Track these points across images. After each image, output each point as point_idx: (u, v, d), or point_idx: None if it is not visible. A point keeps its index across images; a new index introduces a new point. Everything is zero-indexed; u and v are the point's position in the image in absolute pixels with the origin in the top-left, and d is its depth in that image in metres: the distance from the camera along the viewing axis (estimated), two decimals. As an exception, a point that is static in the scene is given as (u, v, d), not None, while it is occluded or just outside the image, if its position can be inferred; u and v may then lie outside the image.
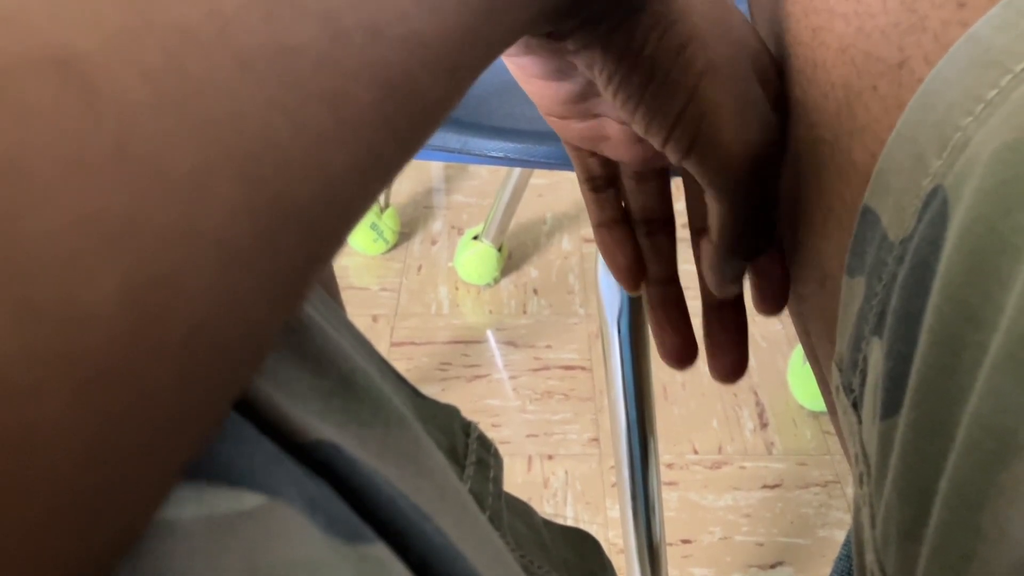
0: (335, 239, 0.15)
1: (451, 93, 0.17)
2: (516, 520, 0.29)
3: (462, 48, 0.16)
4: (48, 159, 0.11)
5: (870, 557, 0.21)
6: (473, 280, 1.18)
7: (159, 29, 0.12)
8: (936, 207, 0.19)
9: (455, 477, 0.22)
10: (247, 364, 0.14)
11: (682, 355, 0.33)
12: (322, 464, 0.17)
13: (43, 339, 0.10)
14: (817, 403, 1.00)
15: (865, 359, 0.22)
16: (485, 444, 0.28)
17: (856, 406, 0.23)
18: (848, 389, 0.24)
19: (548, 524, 0.31)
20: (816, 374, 0.30)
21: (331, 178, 0.14)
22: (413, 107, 0.15)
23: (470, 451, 0.27)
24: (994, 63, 0.19)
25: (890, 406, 0.20)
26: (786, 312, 0.30)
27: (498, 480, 0.28)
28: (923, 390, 0.19)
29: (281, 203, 0.13)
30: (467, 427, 0.28)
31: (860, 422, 0.23)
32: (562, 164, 0.55)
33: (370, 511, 0.17)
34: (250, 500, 0.14)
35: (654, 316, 0.33)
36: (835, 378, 0.25)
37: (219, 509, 0.14)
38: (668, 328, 0.33)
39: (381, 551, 0.16)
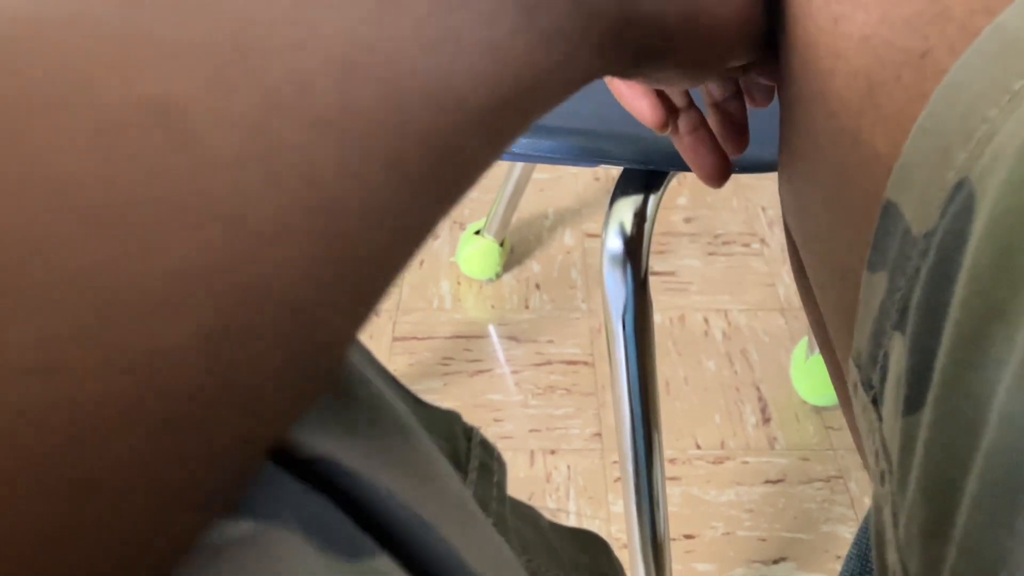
0: (381, 295, 0.15)
1: (493, 155, 0.17)
2: (521, 524, 0.29)
3: (509, 116, 0.17)
4: (147, 206, 0.11)
5: (892, 557, 0.21)
6: (475, 275, 1.17)
7: (248, 85, 0.12)
8: (961, 200, 0.19)
9: (459, 483, 0.21)
10: (302, 407, 0.14)
11: (720, 172, 0.35)
12: (321, 479, 0.17)
13: (126, 384, 0.11)
14: (819, 398, 1.00)
15: (886, 355, 0.22)
16: (487, 448, 0.28)
17: (876, 402, 0.23)
18: (867, 385, 0.23)
19: (555, 527, 0.31)
20: (831, 369, 0.30)
21: (386, 239, 0.14)
22: (458, 170, 0.16)
23: (472, 456, 0.27)
24: (1021, 53, 0.19)
25: (913, 402, 0.20)
26: (789, 307, 0.30)
27: (501, 485, 0.28)
28: (948, 385, 0.19)
29: (344, 263, 0.14)
30: (469, 432, 0.28)
31: (880, 419, 0.23)
32: (566, 159, 0.55)
33: (372, 523, 0.17)
34: (240, 527, 0.14)
35: (688, 143, 0.35)
36: (853, 374, 0.24)
37: (209, 537, 0.14)
38: (703, 149, 0.35)
39: (383, 564, 0.16)
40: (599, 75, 0.21)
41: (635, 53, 0.22)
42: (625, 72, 0.23)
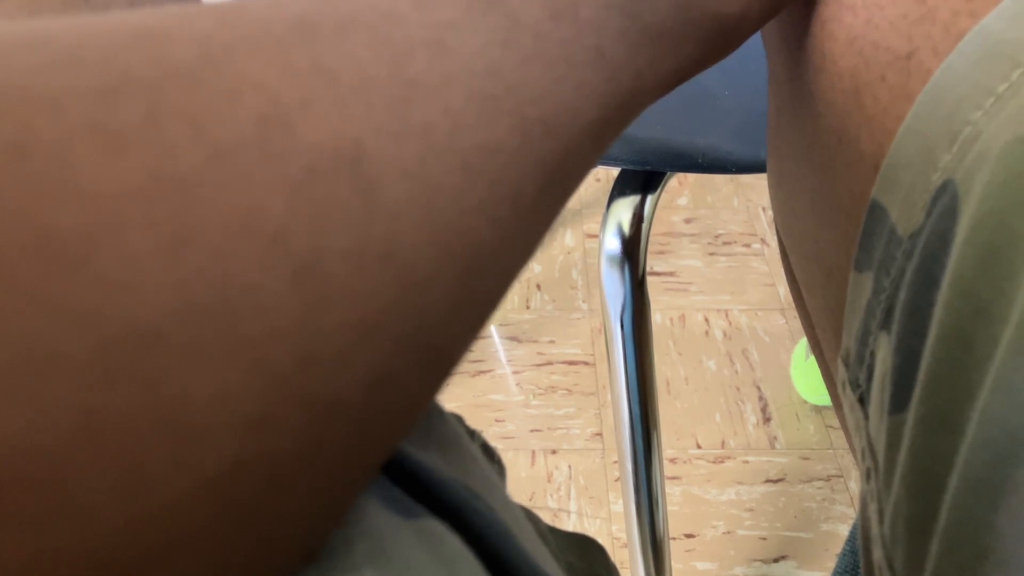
0: (487, 321, 0.16)
1: (594, 162, 0.17)
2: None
3: (614, 124, 0.17)
4: (339, 258, 0.11)
5: (878, 553, 0.21)
6: (476, 275, 1.17)
7: (412, 129, 0.13)
8: (946, 202, 0.19)
9: (487, 460, 0.22)
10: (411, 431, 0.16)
11: None
12: None
13: (315, 426, 0.12)
14: (820, 398, 1.00)
15: (872, 354, 0.22)
16: (489, 452, 0.28)
17: (863, 401, 0.23)
18: (855, 384, 0.23)
19: (553, 530, 0.31)
20: (821, 368, 0.30)
21: (501, 275, 0.15)
22: (565, 188, 0.16)
23: None
24: (1005, 56, 0.19)
25: (899, 401, 0.20)
26: (789, 307, 0.30)
27: None
28: (933, 385, 0.19)
29: (472, 305, 0.14)
30: (471, 434, 0.28)
31: (867, 417, 0.23)
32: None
33: (424, 493, 0.17)
34: None
35: None
36: (841, 373, 0.25)
37: None
38: None
39: (435, 524, 0.17)
40: (697, 70, 0.21)
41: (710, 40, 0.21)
42: (712, 61, 0.23)
